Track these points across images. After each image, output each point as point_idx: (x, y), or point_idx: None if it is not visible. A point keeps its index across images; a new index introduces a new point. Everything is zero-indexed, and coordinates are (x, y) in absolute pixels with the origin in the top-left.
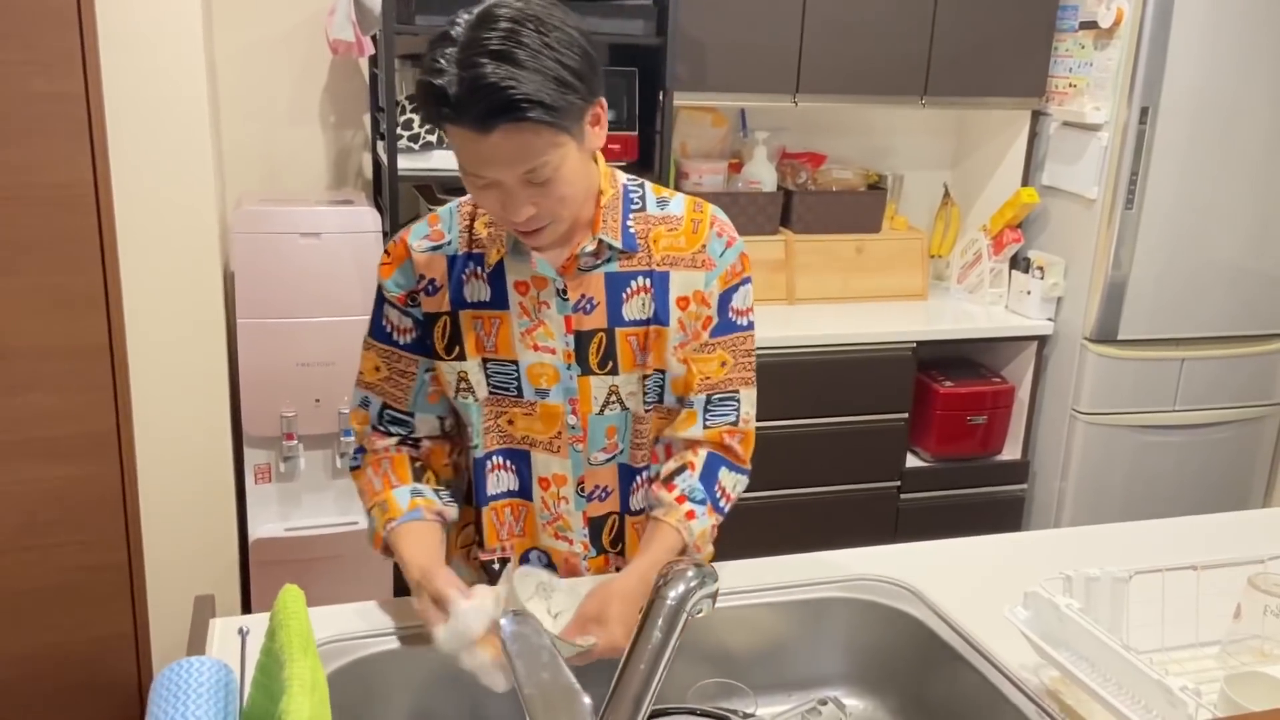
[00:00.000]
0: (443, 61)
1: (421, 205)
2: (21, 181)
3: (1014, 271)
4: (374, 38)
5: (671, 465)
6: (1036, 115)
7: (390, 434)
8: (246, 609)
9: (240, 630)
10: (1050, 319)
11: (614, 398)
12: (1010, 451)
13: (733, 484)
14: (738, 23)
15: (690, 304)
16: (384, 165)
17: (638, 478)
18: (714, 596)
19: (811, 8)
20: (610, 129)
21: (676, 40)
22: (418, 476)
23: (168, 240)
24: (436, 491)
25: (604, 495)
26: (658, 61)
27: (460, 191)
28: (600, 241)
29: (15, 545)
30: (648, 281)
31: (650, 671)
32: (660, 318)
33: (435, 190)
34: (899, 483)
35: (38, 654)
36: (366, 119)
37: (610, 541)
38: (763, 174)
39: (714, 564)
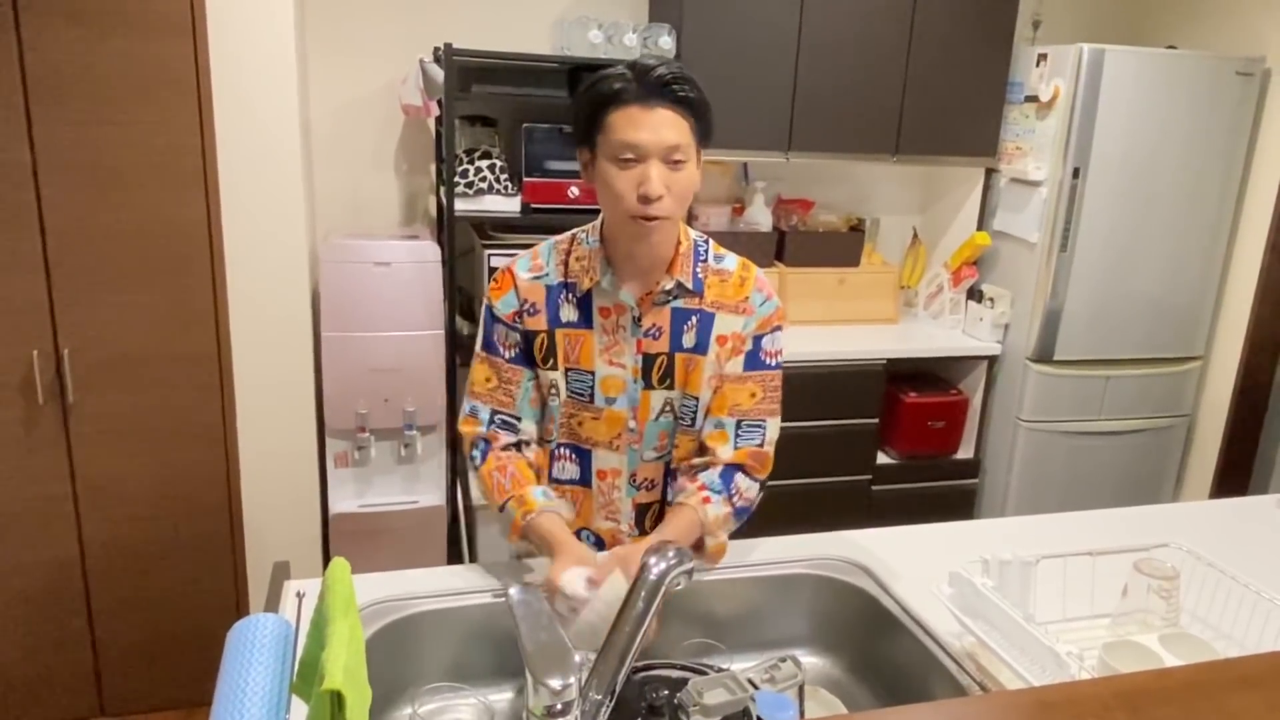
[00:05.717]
0: (617, 67)
1: (474, 240)
2: (148, 218)
3: (969, 301)
4: (439, 102)
5: (698, 463)
6: (989, 172)
7: (504, 434)
8: None
9: (297, 593)
10: (999, 341)
11: (667, 408)
12: (965, 451)
13: (747, 487)
14: (739, 91)
15: (728, 341)
16: (444, 207)
17: (675, 474)
18: (690, 573)
19: (801, 79)
20: None
21: None
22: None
23: (266, 267)
24: (546, 494)
25: (650, 486)
26: None
27: (503, 231)
28: (677, 282)
29: (140, 514)
30: (698, 319)
31: (633, 633)
32: (701, 348)
33: (486, 228)
34: (871, 476)
35: (154, 604)
36: (432, 168)
37: (651, 525)
38: (760, 217)
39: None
